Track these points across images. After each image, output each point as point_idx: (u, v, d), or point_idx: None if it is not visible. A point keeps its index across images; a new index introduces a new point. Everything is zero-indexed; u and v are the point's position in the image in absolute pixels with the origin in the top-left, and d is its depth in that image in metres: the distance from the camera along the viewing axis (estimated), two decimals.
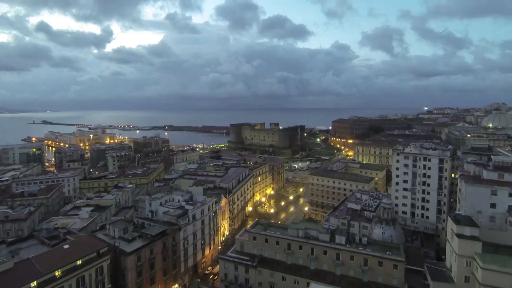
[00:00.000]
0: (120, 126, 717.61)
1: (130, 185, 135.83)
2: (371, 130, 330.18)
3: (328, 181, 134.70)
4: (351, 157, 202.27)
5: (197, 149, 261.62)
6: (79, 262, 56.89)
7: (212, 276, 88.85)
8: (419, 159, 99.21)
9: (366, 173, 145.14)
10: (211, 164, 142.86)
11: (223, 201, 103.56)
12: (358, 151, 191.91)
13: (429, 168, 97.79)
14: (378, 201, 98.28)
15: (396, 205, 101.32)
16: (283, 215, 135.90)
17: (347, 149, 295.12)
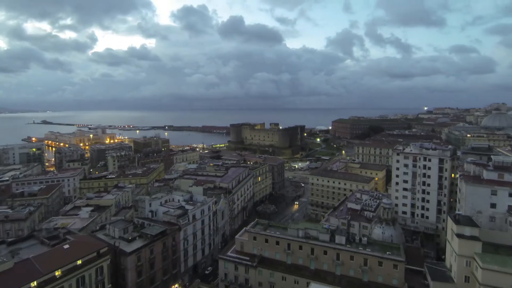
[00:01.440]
0: (120, 126, 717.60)
1: (130, 185, 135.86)
2: (371, 130, 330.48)
3: (328, 181, 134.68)
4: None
5: (197, 149, 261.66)
6: (79, 262, 56.84)
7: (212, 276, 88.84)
8: (419, 159, 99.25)
9: (366, 173, 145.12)
10: (211, 164, 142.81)
11: (223, 201, 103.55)
12: (358, 151, 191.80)
13: (429, 168, 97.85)
14: (378, 201, 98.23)
15: (396, 205, 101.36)
16: (283, 215, 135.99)
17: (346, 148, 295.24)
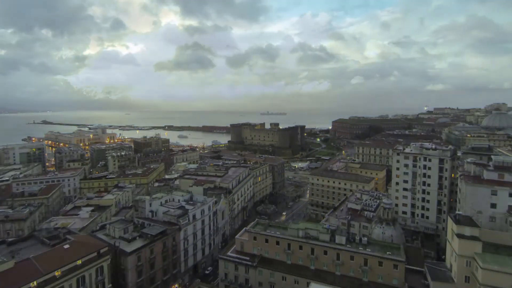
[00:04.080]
0: (120, 126, 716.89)
1: (130, 185, 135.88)
2: (371, 130, 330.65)
3: (328, 181, 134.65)
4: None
5: (197, 149, 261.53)
6: (79, 262, 56.84)
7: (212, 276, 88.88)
8: (419, 159, 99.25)
9: (366, 173, 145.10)
10: (211, 164, 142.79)
11: (223, 201, 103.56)
12: (358, 151, 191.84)
13: (429, 168, 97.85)
14: (378, 201, 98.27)
15: (396, 205, 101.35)
16: (283, 215, 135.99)
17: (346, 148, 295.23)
